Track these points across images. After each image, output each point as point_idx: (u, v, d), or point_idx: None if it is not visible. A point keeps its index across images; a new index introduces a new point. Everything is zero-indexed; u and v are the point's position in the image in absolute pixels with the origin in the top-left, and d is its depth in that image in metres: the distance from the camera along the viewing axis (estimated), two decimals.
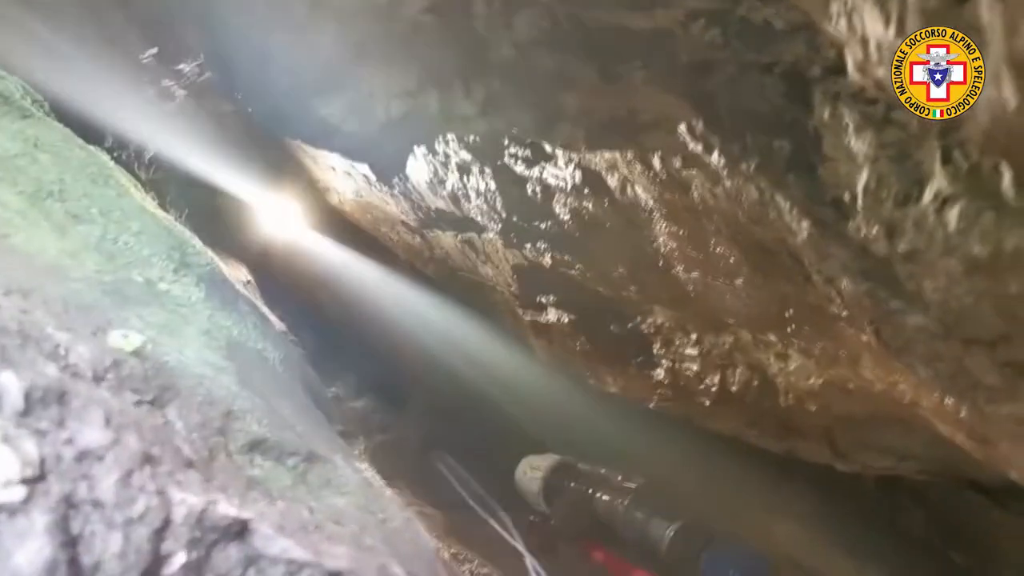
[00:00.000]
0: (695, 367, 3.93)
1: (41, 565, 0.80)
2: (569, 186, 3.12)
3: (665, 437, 4.77)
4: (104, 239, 1.68)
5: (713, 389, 3.94)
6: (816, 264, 1.69)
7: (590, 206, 3.06)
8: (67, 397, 0.90)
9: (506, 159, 3.48)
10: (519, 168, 3.44)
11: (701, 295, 2.82)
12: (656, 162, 2.37)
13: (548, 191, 3.36)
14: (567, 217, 3.32)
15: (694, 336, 3.88)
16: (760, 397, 3.77)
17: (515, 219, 3.75)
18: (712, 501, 4.67)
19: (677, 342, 4.00)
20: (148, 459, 0.94)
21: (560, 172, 3.14)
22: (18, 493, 0.82)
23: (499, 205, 3.75)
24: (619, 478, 4.64)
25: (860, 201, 1.32)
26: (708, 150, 1.61)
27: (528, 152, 3.25)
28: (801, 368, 3.52)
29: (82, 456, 0.88)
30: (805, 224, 1.51)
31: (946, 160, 1.14)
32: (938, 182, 1.16)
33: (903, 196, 1.22)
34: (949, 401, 1.74)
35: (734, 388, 3.84)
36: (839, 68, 1.28)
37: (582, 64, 1.69)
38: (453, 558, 3.89)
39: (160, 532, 0.93)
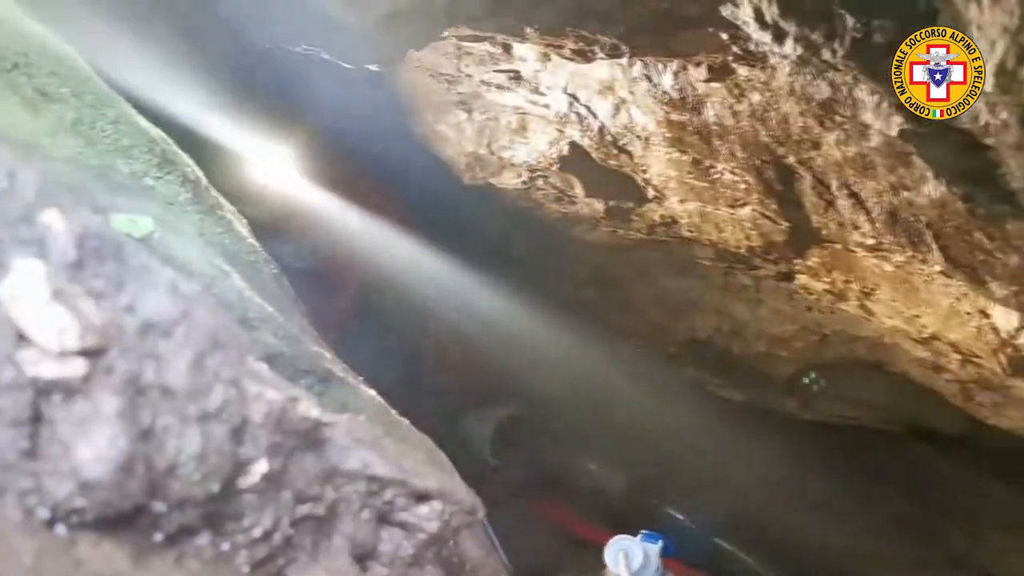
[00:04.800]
0: (662, 313, 3.83)
1: (115, 460, 0.60)
2: (552, 114, 2.94)
3: (628, 386, 4.67)
4: (80, 122, 1.42)
5: (679, 337, 3.85)
6: (885, 174, 1.55)
7: (576, 134, 2.89)
8: (125, 253, 0.68)
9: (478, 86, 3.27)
10: (492, 96, 3.24)
11: (695, 227, 2.68)
12: (667, 79, 2.21)
13: (524, 120, 3.17)
14: (544, 147, 3.14)
15: (661, 281, 3.77)
16: (729, 344, 3.70)
17: (481, 152, 3.56)
18: (672, 452, 4.60)
19: (642, 287, 3.89)
20: (219, 342, 0.74)
21: (540, 99, 2.96)
22: (78, 367, 0.61)
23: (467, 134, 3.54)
24: (571, 430, 4.53)
25: (988, 83, 1.18)
26: (778, 39, 1.44)
27: (504, 79, 3.05)
28: (775, 314, 3.45)
29: (146, 329, 0.67)
30: (897, 119, 1.36)
31: None
32: None
33: None
34: (1010, 327, 1.64)
35: (701, 335, 3.76)
36: None
37: None
38: None
39: (239, 433, 0.73)
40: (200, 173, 1.74)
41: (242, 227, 1.77)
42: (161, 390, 0.67)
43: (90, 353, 0.61)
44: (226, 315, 0.95)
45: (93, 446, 0.59)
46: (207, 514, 0.71)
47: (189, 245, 1.34)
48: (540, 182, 3.21)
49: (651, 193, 2.80)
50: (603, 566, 2.50)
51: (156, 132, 1.67)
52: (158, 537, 0.67)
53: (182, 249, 1.26)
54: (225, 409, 0.72)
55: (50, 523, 0.59)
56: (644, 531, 2.63)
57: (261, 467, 0.75)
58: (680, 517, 3.87)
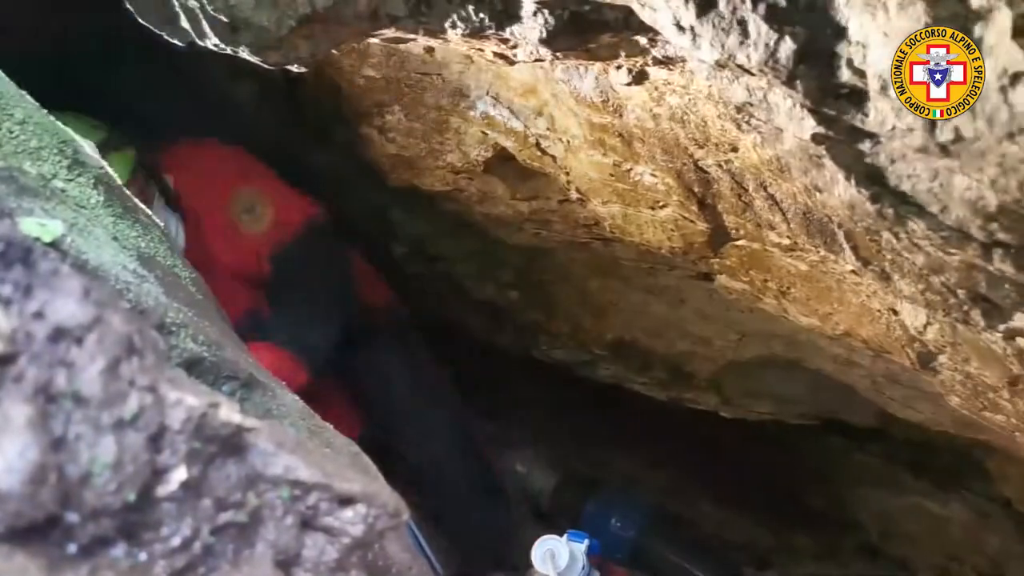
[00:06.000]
0: (586, 313, 3.86)
1: (26, 470, 0.58)
2: (477, 116, 2.95)
3: (541, 388, 4.69)
4: None
5: (603, 336, 3.89)
6: (799, 176, 1.60)
7: (500, 136, 2.90)
8: (33, 257, 0.66)
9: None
10: (416, 97, 3.22)
11: (619, 228, 2.72)
12: (588, 82, 2.23)
13: (448, 122, 3.16)
14: (468, 148, 3.14)
15: (584, 282, 3.80)
16: (651, 343, 3.75)
17: (405, 154, 3.54)
18: (588, 453, 4.65)
19: (565, 288, 3.92)
20: (134, 348, 0.72)
21: (464, 100, 2.96)
22: None
23: None
24: (498, 431, 4.54)
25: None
26: (696, 44, 1.47)
27: (428, 81, 3.04)
28: (696, 313, 3.51)
29: (57, 335, 0.66)
30: (809, 123, 1.40)
31: (1019, 33, 1.05)
32: (1006, 58, 1.07)
33: None
34: (917, 324, 1.71)
35: (625, 334, 3.80)
36: None
37: None
38: None
39: (156, 440, 0.72)
40: (114, 175, 1.70)
41: (159, 230, 1.73)
42: (74, 398, 0.66)
43: None
44: (142, 320, 0.93)
45: (3, 456, 0.58)
46: (123, 524, 0.69)
47: (102, 249, 1.31)
48: (464, 183, 3.21)
49: (574, 195, 2.83)
50: (529, 566, 2.53)
51: (67, 133, 1.62)
52: (72, 548, 0.66)
53: (95, 253, 1.23)
54: (141, 416, 0.70)
55: None
56: (570, 530, 2.66)
57: (180, 475, 0.74)
58: (606, 516, 3.91)
